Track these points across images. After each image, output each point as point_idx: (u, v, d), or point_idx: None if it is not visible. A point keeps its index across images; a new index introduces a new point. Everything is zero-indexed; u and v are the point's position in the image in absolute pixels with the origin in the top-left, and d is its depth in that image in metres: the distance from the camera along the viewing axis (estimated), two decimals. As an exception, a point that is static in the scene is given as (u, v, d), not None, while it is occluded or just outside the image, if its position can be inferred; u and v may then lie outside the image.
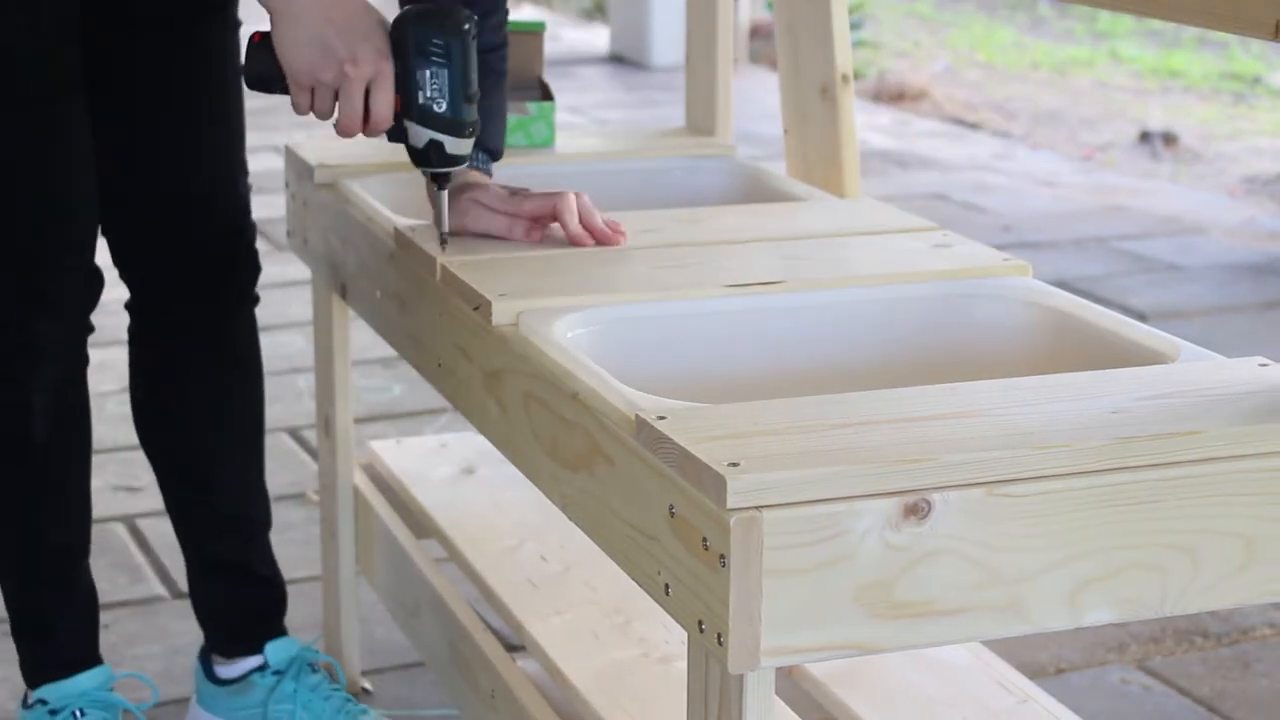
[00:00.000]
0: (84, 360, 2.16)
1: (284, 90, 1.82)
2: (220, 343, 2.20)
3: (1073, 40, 8.75)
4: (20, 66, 1.93)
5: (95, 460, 3.22)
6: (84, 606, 2.22)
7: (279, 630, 2.29)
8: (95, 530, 2.94)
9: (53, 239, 2.00)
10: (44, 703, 2.16)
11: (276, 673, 2.26)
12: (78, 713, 2.16)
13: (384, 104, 1.79)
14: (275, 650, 2.27)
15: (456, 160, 1.84)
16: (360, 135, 1.84)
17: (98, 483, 3.12)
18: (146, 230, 2.12)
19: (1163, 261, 4.72)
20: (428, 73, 1.79)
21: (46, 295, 2.03)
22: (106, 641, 2.59)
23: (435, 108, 1.81)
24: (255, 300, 2.22)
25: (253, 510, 2.31)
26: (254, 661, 2.27)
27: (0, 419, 2.10)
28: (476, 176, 1.94)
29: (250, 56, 1.82)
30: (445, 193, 1.85)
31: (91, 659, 2.21)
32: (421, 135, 1.81)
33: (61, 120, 1.97)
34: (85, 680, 2.18)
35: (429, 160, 1.83)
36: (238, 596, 2.28)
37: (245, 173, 2.17)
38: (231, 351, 2.22)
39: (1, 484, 2.15)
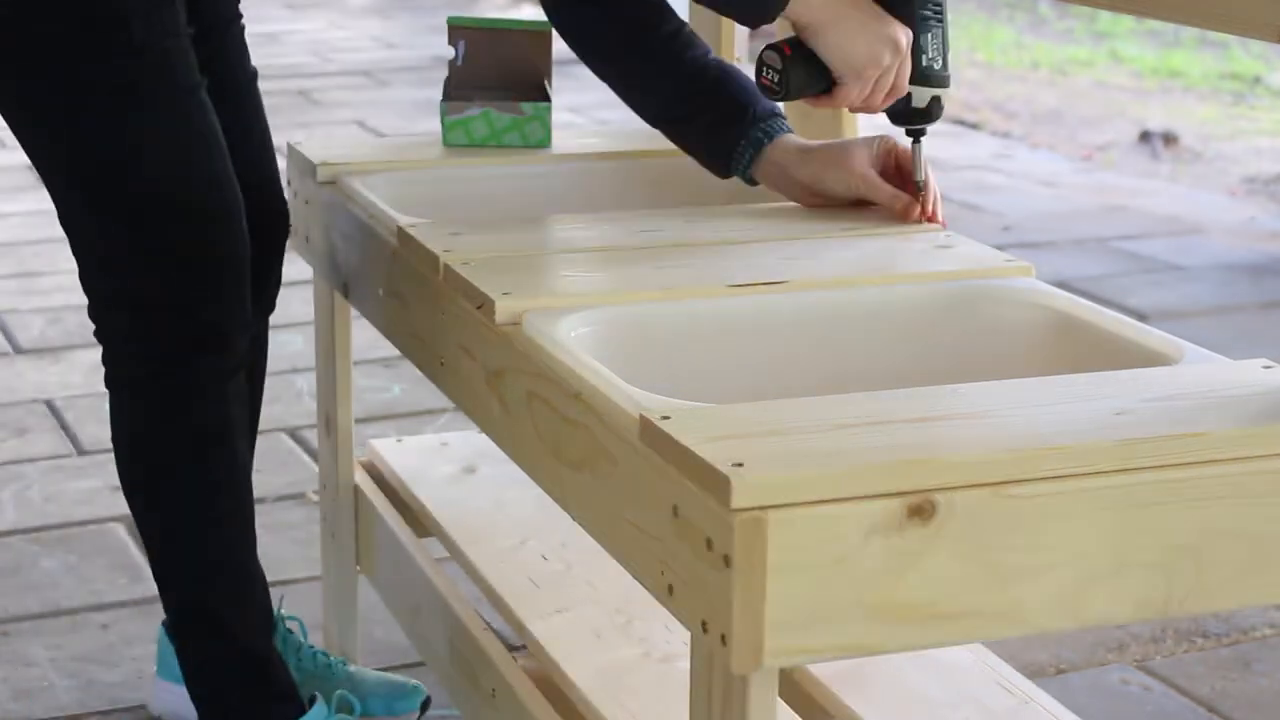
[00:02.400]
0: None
1: (823, 91, 1.91)
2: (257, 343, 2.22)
3: (1073, 40, 8.75)
4: (177, 61, 1.96)
5: (95, 460, 3.24)
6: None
7: None
8: (94, 530, 2.96)
9: (230, 218, 2.00)
10: None
11: None
12: None
13: (904, 77, 1.92)
14: None
15: (942, 111, 1.99)
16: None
17: (96, 483, 3.14)
18: None
19: (1163, 261, 4.72)
20: (929, 35, 1.92)
21: (240, 277, 2.03)
22: (106, 641, 2.59)
23: (935, 66, 1.95)
24: (272, 305, 2.29)
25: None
26: None
27: (204, 406, 2.05)
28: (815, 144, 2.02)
29: (789, 68, 1.91)
30: (920, 145, 1.99)
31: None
32: (924, 95, 1.94)
33: (208, 107, 2.00)
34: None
35: (930, 116, 1.97)
36: None
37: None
38: (257, 345, 2.24)
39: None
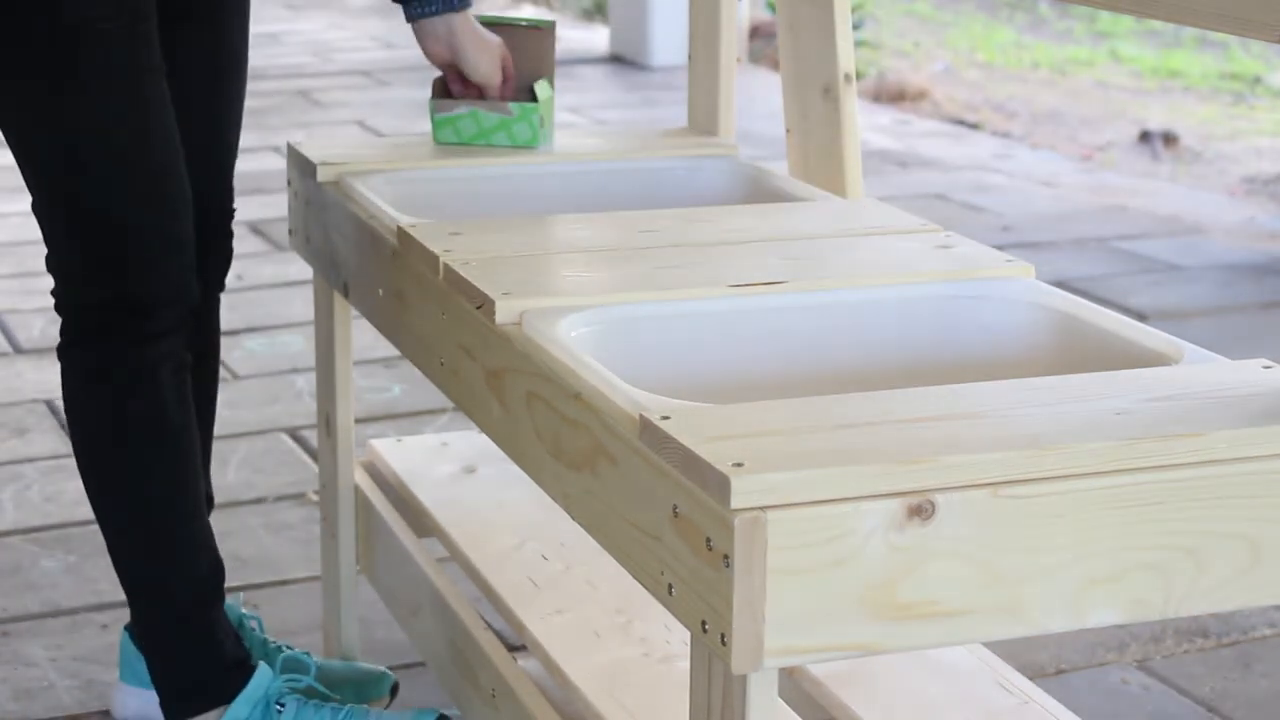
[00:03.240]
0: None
1: None
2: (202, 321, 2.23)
3: (1073, 40, 8.75)
4: (115, 44, 1.98)
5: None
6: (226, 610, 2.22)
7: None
8: (94, 531, 2.95)
9: (171, 210, 2.05)
10: None
11: None
12: (279, 706, 2.17)
13: None
14: None
15: None
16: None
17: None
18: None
19: (1163, 261, 4.72)
20: None
21: (175, 264, 2.07)
22: (106, 641, 2.59)
23: None
24: (221, 282, 2.31)
25: (209, 488, 2.34)
26: None
27: (130, 372, 2.08)
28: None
29: None
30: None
31: (251, 663, 2.19)
32: None
33: (155, 93, 2.02)
34: (261, 681, 2.16)
35: None
36: None
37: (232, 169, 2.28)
38: (206, 323, 2.27)
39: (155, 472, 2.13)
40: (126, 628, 2.29)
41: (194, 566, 2.13)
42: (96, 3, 1.96)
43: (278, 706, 2.15)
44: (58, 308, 2.11)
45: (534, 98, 2.31)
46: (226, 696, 2.13)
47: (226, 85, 2.23)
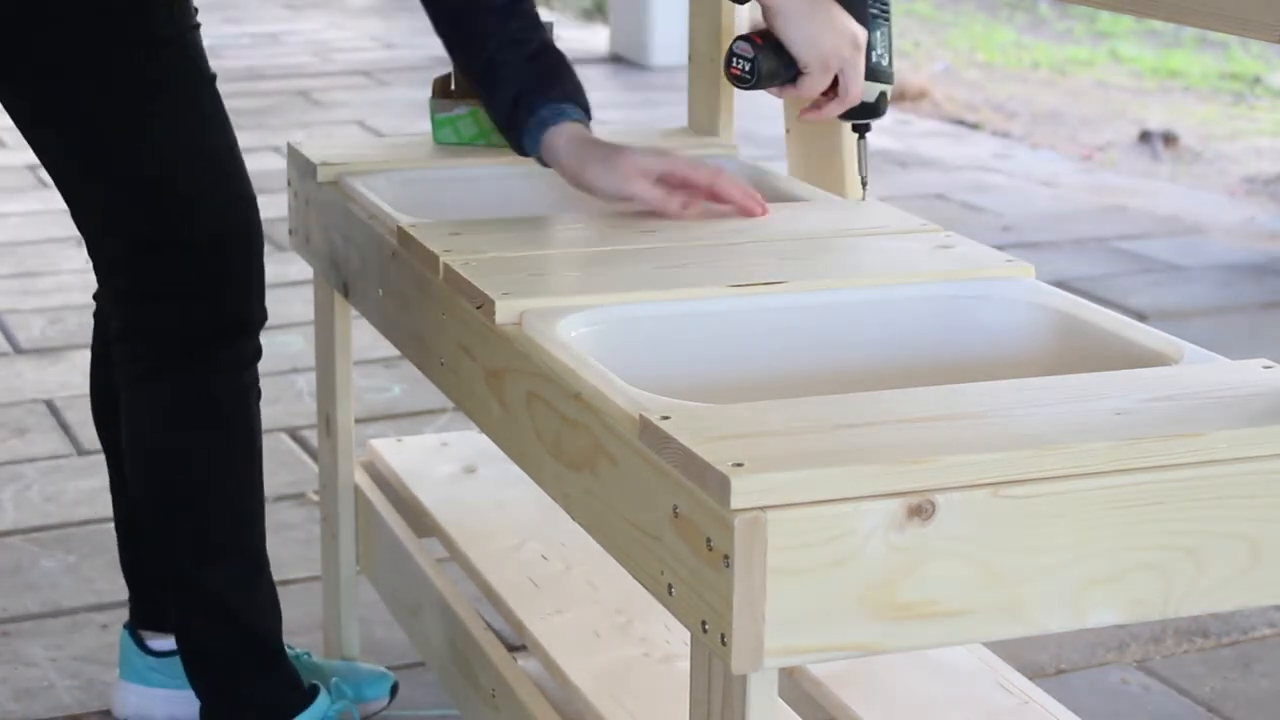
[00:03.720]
0: None
1: (789, 81, 1.97)
2: None
3: (1073, 40, 8.75)
4: (196, 52, 2.01)
5: (95, 460, 3.24)
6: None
7: None
8: (94, 531, 2.96)
9: (249, 208, 2.06)
10: None
11: None
12: None
13: (862, 69, 1.98)
14: None
15: (887, 107, 2.07)
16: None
17: (96, 483, 3.14)
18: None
19: (1163, 261, 4.72)
20: (878, 33, 2.01)
21: (259, 264, 2.09)
22: (106, 641, 2.59)
23: (883, 62, 2.02)
24: None
25: None
26: None
27: (234, 396, 2.08)
28: (599, 141, 1.96)
29: (761, 57, 1.96)
30: (865, 142, 2.09)
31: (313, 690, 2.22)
32: (873, 90, 2.01)
33: (221, 99, 2.04)
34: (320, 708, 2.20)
35: (876, 112, 2.04)
36: None
37: None
38: None
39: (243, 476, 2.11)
40: (126, 626, 2.30)
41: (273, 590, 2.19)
42: (186, 11, 1.98)
43: None
44: (132, 333, 2.04)
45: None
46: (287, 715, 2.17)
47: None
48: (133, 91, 1.96)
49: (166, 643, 2.27)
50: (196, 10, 2.04)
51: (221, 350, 2.05)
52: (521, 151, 1.96)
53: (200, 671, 2.16)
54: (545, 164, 1.96)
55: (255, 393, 2.10)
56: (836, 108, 1.99)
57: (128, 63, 1.95)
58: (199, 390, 2.06)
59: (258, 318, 2.08)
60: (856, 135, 2.10)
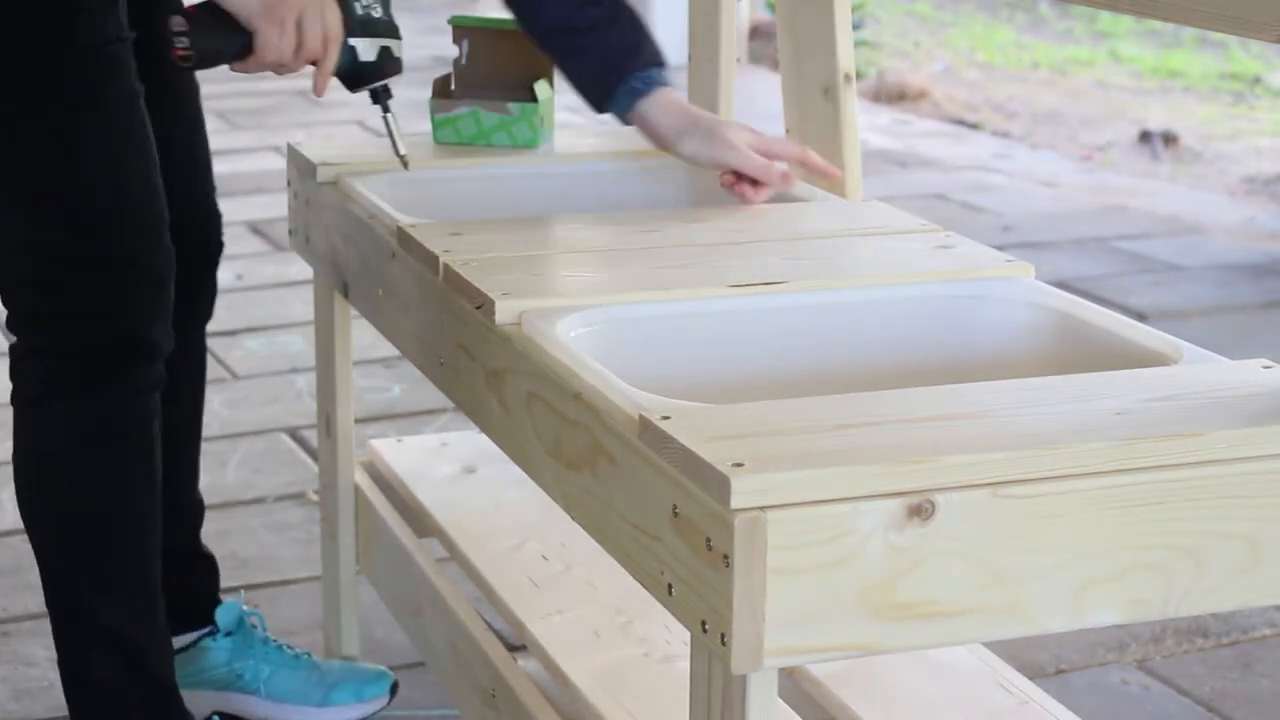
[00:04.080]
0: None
1: (237, 57, 1.83)
2: (185, 342, 2.15)
3: (1073, 40, 8.75)
4: (122, 66, 1.92)
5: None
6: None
7: (218, 595, 2.35)
8: (95, 529, 2.96)
9: (162, 231, 1.97)
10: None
11: (228, 634, 2.32)
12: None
13: (335, 21, 1.86)
14: (223, 613, 2.31)
15: (399, 65, 1.93)
16: (319, 88, 1.96)
17: (98, 481, 3.13)
18: None
19: (1163, 261, 4.72)
20: None
21: (169, 290, 2.00)
22: (107, 640, 2.59)
23: (374, 13, 1.90)
24: (210, 314, 2.28)
25: (197, 495, 2.34)
26: (201, 629, 2.31)
27: (138, 419, 2.01)
28: (695, 110, 2.06)
29: (195, 31, 1.81)
30: (392, 113, 1.99)
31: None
32: (370, 47, 1.89)
33: (146, 115, 1.96)
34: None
35: (383, 71, 1.93)
36: (189, 577, 2.30)
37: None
38: (195, 352, 2.27)
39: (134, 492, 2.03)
40: None
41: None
42: (112, 21, 1.88)
43: None
44: (39, 351, 1.96)
45: (533, 97, 2.31)
46: None
47: (193, 106, 2.20)
48: (51, 101, 1.88)
49: (182, 638, 2.29)
50: (126, 24, 1.93)
51: (126, 372, 1.97)
52: (601, 111, 2.04)
53: (86, 713, 2.07)
54: (627, 123, 2.04)
55: (157, 422, 2.01)
56: (295, 62, 1.85)
57: (47, 72, 1.87)
58: (100, 412, 1.98)
59: (163, 344, 1.99)
60: (379, 107, 1.95)
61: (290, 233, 2.42)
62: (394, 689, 2.36)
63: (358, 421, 3.10)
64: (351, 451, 2.41)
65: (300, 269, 4.16)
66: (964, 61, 8.10)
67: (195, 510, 2.34)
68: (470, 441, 2.59)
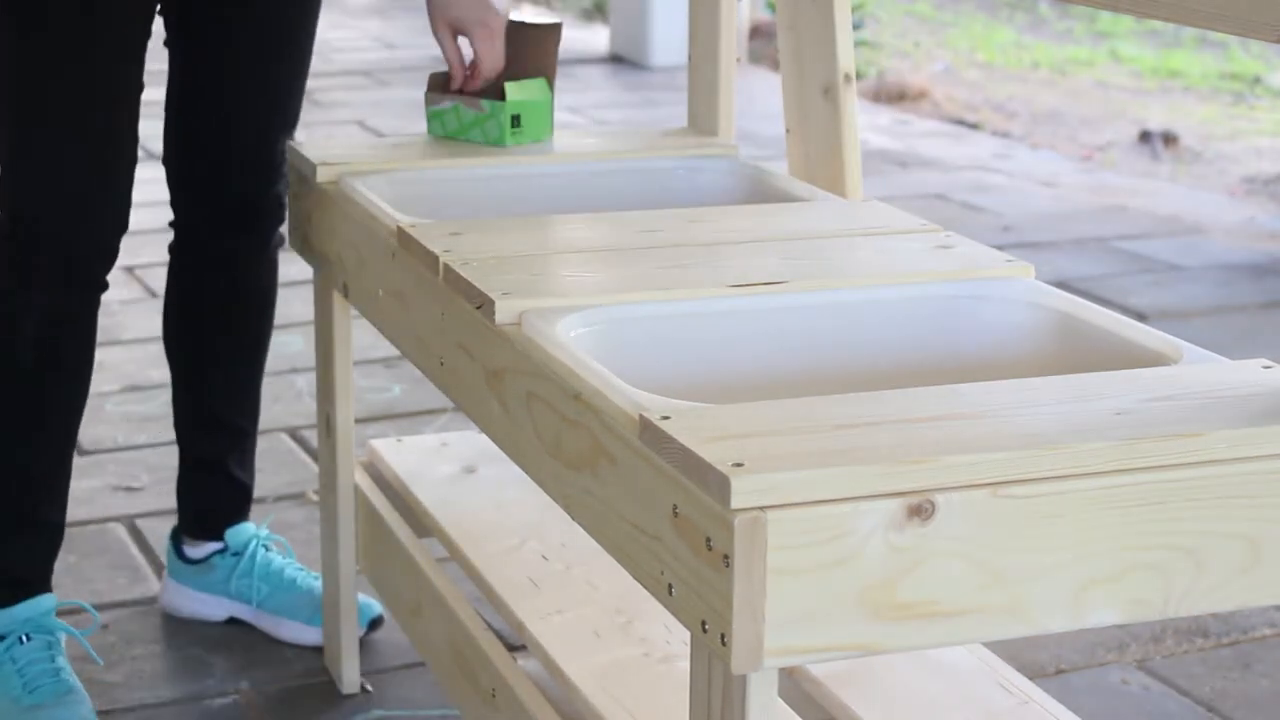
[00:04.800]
0: (93, 302, 2.33)
1: None
2: (246, 270, 2.52)
3: (1073, 40, 8.75)
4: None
5: (95, 460, 3.24)
6: (44, 537, 2.39)
7: (240, 519, 2.62)
8: (94, 530, 2.96)
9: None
10: None
11: (235, 554, 2.60)
12: (23, 637, 2.37)
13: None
14: (233, 535, 2.61)
15: None
16: None
17: (96, 483, 3.14)
18: (209, 171, 2.43)
19: (1163, 261, 4.72)
20: None
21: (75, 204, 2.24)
22: (106, 641, 2.59)
23: None
24: (281, 241, 2.53)
25: (239, 419, 2.59)
26: (215, 545, 2.61)
27: None
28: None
29: None
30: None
31: (40, 587, 2.40)
32: None
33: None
34: (28, 607, 2.38)
35: None
36: (208, 490, 2.60)
37: (291, 129, 2.45)
38: (254, 279, 2.54)
39: None
40: (172, 532, 2.64)
41: None
42: None
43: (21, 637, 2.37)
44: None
45: (502, 95, 2.31)
46: None
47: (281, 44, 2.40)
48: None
49: (196, 550, 2.61)
50: None
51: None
52: None
53: None
54: None
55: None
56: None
57: None
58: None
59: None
60: None
61: (290, 233, 2.42)
62: (374, 623, 2.55)
63: (358, 421, 3.11)
64: (351, 451, 2.41)
65: (300, 268, 4.15)
66: (964, 61, 8.10)
67: (233, 435, 2.57)
68: (470, 441, 2.59)
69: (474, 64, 2.30)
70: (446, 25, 2.28)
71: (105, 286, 2.32)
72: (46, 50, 2.15)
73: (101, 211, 2.25)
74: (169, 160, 2.45)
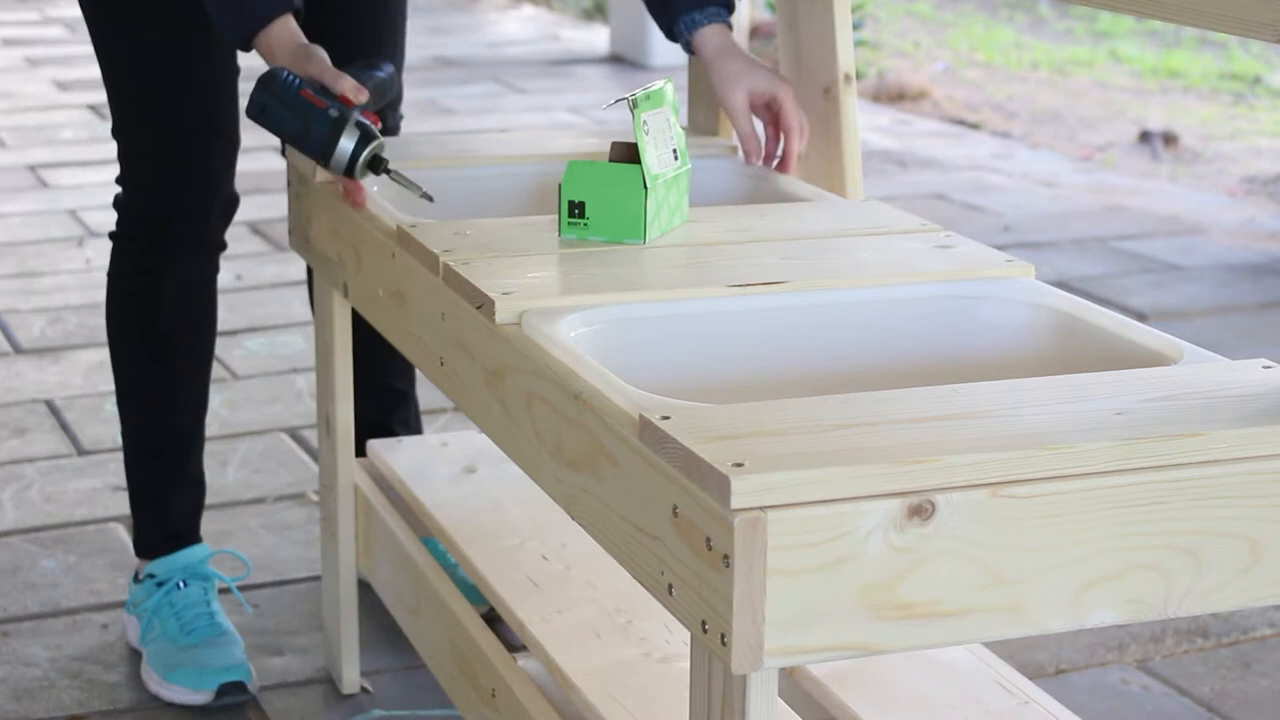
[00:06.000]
0: (214, 264, 2.49)
1: None
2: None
3: (1073, 40, 8.75)
4: None
5: (95, 460, 3.24)
6: (194, 490, 2.55)
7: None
8: (94, 530, 2.96)
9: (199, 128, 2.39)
10: (152, 576, 2.52)
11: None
12: (181, 583, 2.50)
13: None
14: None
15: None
16: None
17: (96, 483, 3.14)
18: None
19: (1163, 261, 4.72)
20: None
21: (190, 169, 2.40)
22: (106, 641, 2.60)
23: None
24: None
25: (399, 382, 2.74)
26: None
27: (135, 307, 2.46)
28: (740, 50, 2.23)
29: None
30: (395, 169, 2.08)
31: (195, 538, 2.55)
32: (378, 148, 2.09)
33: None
34: (188, 555, 2.53)
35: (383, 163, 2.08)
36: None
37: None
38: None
39: (134, 369, 2.48)
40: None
41: None
42: None
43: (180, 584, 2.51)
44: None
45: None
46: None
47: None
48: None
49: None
50: None
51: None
52: (670, 38, 2.24)
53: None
54: (689, 51, 2.25)
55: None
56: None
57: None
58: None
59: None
60: (385, 174, 2.07)
61: (290, 232, 2.42)
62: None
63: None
64: (351, 451, 2.41)
65: (300, 269, 4.16)
66: (964, 61, 8.10)
67: (395, 397, 2.73)
68: (470, 441, 2.59)
69: (788, 137, 2.20)
70: (745, 93, 2.18)
71: (225, 246, 2.49)
72: (157, 48, 2.35)
73: (222, 176, 2.42)
74: None
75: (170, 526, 2.54)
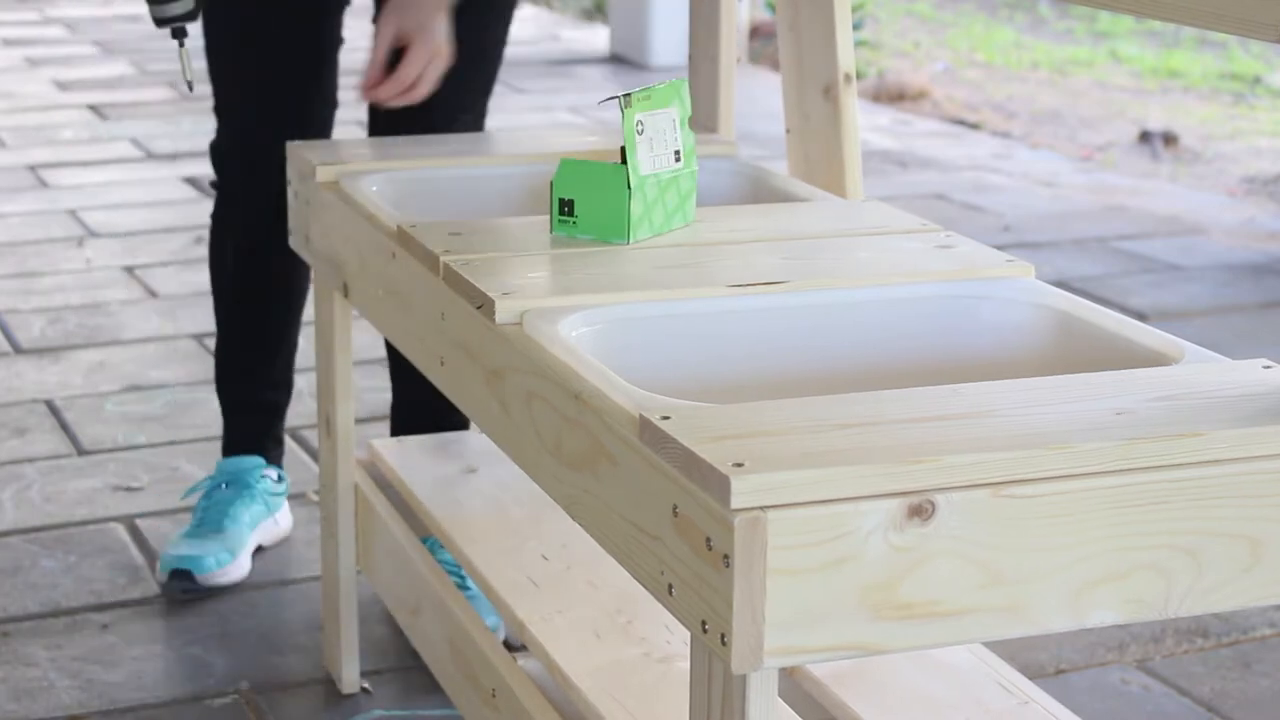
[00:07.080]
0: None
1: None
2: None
3: (1073, 40, 8.75)
4: None
5: (95, 460, 3.24)
6: (259, 414, 2.84)
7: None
8: (94, 530, 2.96)
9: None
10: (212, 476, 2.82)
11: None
12: (223, 485, 2.78)
13: None
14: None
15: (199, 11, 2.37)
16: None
17: (96, 483, 3.14)
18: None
19: (1163, 261, 4.72)
20: None
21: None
22: (106, 641, 2.59)
23: None
24: None
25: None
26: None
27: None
28: None
29: None
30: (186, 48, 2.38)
31: (254, 449, 2.82)
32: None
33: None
34: (236, 462, 2.81)
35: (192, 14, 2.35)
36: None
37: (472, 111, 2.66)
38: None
39: (234, 262, 2.71)
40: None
41: None
42: None
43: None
44: None
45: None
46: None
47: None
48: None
49: None
50: None
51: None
52: None
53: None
54: None
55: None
56: None
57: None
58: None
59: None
60: (177, 41, 2.37)
61: (290, 232, 2.42)
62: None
63: (358, 421, 3.09)
64: (351, 451, 2.41)
65: (300, 269, 4.15)
66: (964, 61, 8.10)
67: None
68: (471, 441, 2.59)
69: (396, 72, 2.38)
70: (396, 28, 2.36)
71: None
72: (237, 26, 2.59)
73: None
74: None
75: (233, 433, 2.83)
